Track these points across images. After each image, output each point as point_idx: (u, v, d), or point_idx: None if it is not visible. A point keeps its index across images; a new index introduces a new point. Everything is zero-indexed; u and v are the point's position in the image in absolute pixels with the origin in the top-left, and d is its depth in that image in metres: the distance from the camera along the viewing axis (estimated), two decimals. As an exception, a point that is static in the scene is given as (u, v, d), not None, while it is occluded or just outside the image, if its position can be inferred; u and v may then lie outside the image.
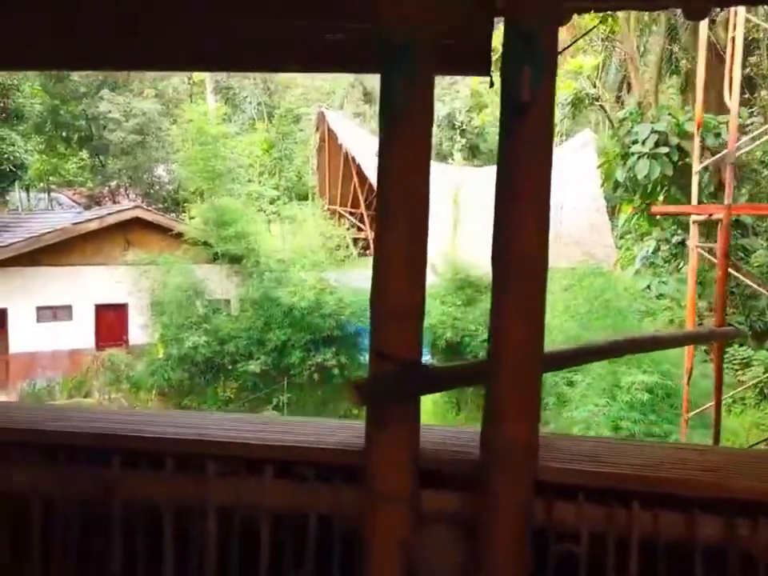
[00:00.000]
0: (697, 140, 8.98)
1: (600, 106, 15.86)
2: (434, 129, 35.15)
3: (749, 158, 17.94)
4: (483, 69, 3.00)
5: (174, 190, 30.97)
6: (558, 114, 14.91)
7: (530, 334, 1.78)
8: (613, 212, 30.71)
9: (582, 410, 9.67)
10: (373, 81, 47.63)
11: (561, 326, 11.17)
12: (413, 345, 1.83)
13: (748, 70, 17.30)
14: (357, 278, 16.82)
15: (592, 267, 15.72)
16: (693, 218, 9.01)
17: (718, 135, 17.37)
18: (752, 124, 16.84)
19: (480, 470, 1.78)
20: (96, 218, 15.96)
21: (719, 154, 17.30)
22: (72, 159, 32.68)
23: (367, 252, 27.98)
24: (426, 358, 20.74)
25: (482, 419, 1.80)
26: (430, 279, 19.91)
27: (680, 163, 17.56)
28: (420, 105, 1.79)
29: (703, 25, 11.44)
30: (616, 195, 19.60)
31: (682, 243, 18.16)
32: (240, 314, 15.59)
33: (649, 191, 18.72)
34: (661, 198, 19.63)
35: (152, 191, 30.54)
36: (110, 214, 16.19)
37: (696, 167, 9.02)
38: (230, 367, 15.26)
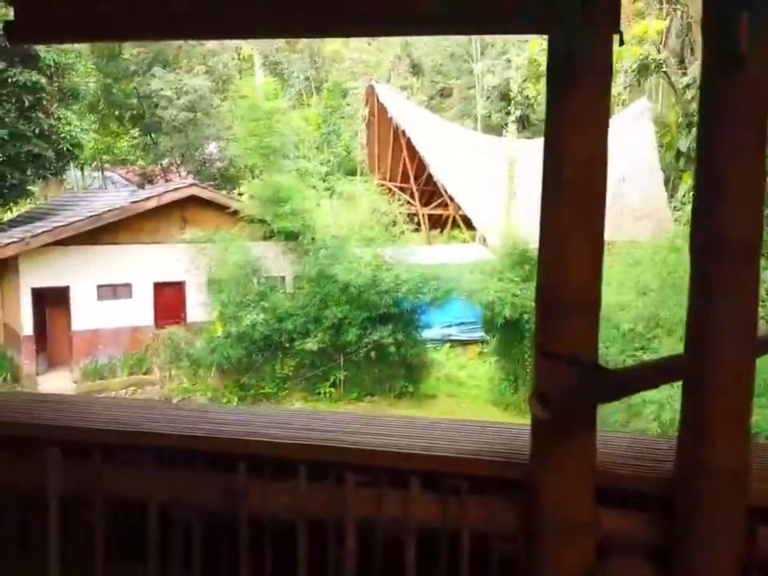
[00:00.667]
0: None
1: (664, 72, 15.16)
2: (484, 101, 34.40)
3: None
4: (613, 25, 2.71)
5: (224, 167, 31.05)
6: (622, 80, 14.32)
7: (741, 322, 1.50)
8: (667, 183, 29.71)
9: (654, 391, 9.30)
10: (419, 52, 46.86)
11: (632, 304, 10.75)
12: (589, 343, 1.57)
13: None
14: (412, 255, 16.58)
15: (658, 241, 15.17)
16: None
17: None
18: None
19: (677, 489, 1.53)
20: (153, 197, 16.00)
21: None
22: (124, 138, 33.05)
23: (419, 228, 27.68)
24: (480, 335, 20.45)
25: (679, 427, 1.54)
26: (485, 254, 19.54)
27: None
28: (601, 62, 1.53)
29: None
30: (678, 165, 18.88)
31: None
32: (297, 292, 15.52)
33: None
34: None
35: (203, 168, 30.64)
36: (166, 192, 16.20)
37: None
38: (287, 345, 15.23)
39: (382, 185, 24.18)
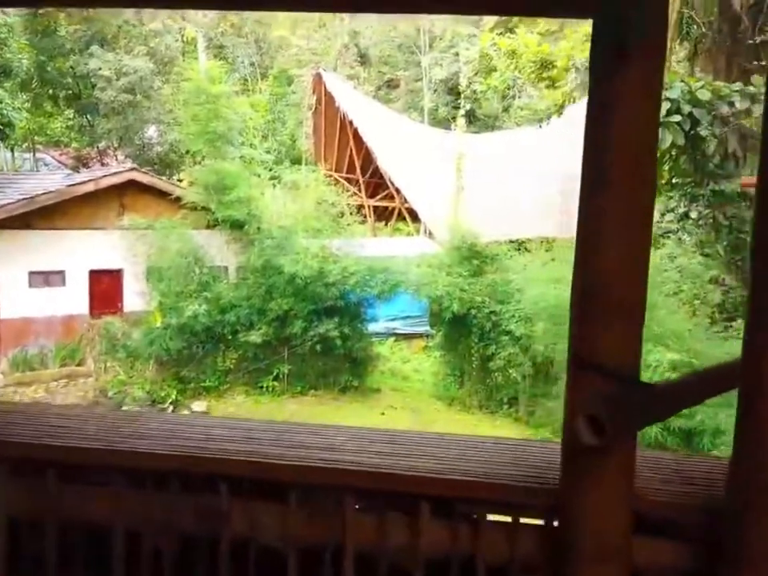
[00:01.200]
0: None
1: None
2: (431, 93, 34.35)
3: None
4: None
5: (164, 152, 30.11)
6: (575, 78, 14.42)
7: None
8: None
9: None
10: (367, 42, 46.58)
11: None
12: (632, 354, 1.40)
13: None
14: (360, 247, 16.38)
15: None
16: None
17: (731, 104, 16.93)
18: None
19: (726, 518, 1.37)
20: (91, 180, 15.28)
21: (734, 123, 16.94)
22: (58, 118, 31.68)
23: (365, 220, 27.45)
24: (425, 329, 20.43)
25: (733, 446, 1.38)
26: (432, 248, 19.48)
27: (691, 132, 17.13)
28: (655, 43, 1.35)
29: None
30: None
31: (686, 215, 17.82)
32: (241, 282, 15.11)
33: (660, 161, 18.33)
34: (666, 168, 19.26)
35: (141, 153, 29.62)
36: (105, 176, 15.50)
37: None
38: (230, 337, 14.83)
39: (329, 175, 23.85)
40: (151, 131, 30.87)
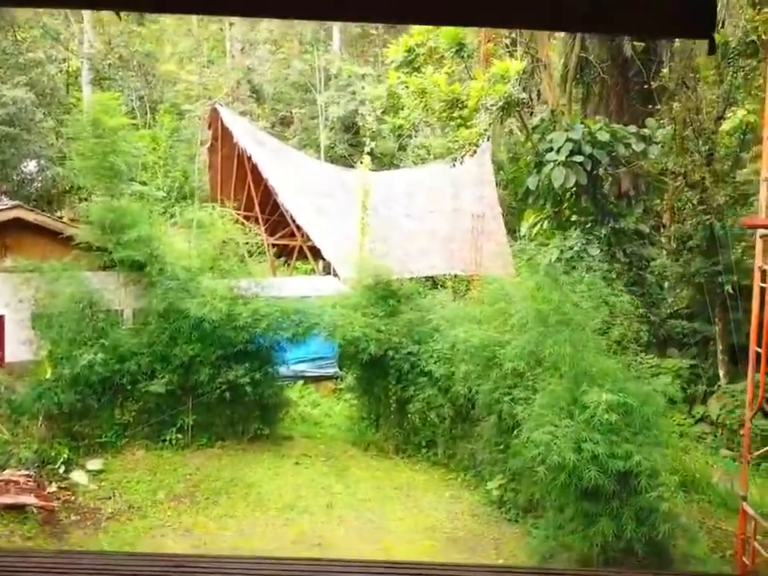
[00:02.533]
0: (766, 152, 8.39)
1: (518, 111, 15.61)
2: (327, 131, 34.19)
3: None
4: (705, 30, 2.21)
5: (44, 188, 28.23)
6: (487, 117, 14.49)
7: None
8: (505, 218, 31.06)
9: (540, 432, 9.09)
10: (260, 78, 46.09)
11: (511, 342, 10.62)
12: None
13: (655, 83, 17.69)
14: (269, 287, 15.66)
15: (512, 277, 15.50)
16: (760, 232, 8.40)
17: (628, 146, 17.65)
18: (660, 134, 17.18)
19: None
20: (-34, 218, 13.81)
21: (633, 164, 17.64)
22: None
23: (265, 259, 26.60)
24: (334, 370, 19.80)
25: None
26: (340, 287, 18.98)
27: (593, 172, 17.71)
28: None
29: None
30: (528, 202, 19.51)
31: (585, 251, 18.30)
32: (142, 328, 13.99)
33: (560, 199, 18.80)
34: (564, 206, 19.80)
35: (19, 189, 27.60)
36: (-16, 213, 14.07)
37: (764, 174, 8.45)
38: (129, 387, 13.65)
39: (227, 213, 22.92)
40: (31, 166, 28.92)
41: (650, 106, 18.16)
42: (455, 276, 24.19)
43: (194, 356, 13.94)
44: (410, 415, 14.78)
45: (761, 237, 8.21)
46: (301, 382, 18.64)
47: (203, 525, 11.26)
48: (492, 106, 13.91)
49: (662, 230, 22.80)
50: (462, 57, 16.08)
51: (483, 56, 15.95)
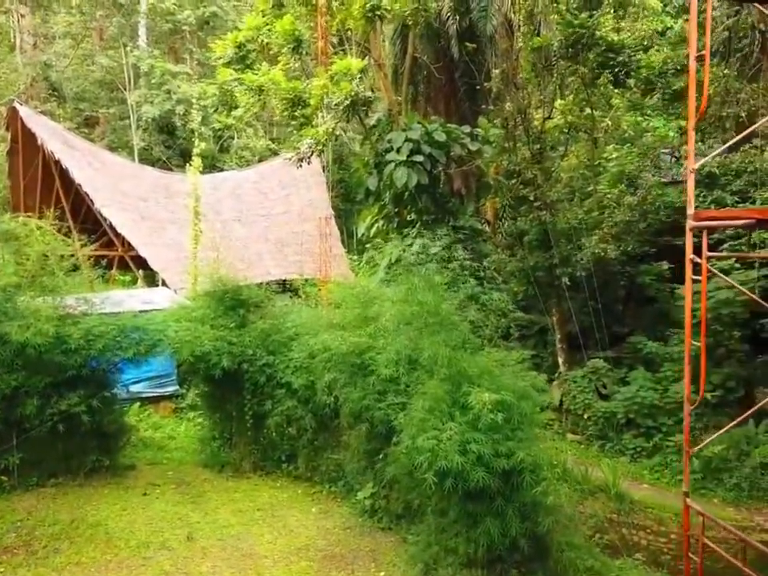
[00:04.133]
0: (691, 143, 8.57)
1: (364, 110, 15.40)
2: (140, 132, 32.17)
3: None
4: None
5: None
6: (332, 116, 14.10)
7: None
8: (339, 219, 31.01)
9: (425, 437, 8.88)
10: (59, 76, 42.30)
11: (385, 346, 10.34)
12: None
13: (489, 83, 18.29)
14: (100, 303, 14.16)
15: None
16: (690, 224, 8.49)
17: (463, 146, 18.14)
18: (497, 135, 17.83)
19: None
20: None
21: (470, 163, 18.14)
22: None
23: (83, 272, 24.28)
24: (174, 389, 18.50)
25: None
26: (176, 298, 17.68)
27: (432, 172, 17.98)
28: None
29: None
30: (368, 202, 19.43)
31: (425, 251, 18.61)
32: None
33: (401, 199, 18.92)
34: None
35: None
36: None
37: (691, 166, 8.61)
38: None
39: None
40: None
41: (482, 106, 18.81)
42: (306, 281, 23.61)
43: (18, 386, 12.22)
44: (266, 430, 14.04)
45: (690, 230, 8.58)
46: (137, 404, 17.18)
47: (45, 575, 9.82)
48: (337, 105, 13.55)
49: (489, 227, 23.81)
50: (300, 54, 15.57)
51: (319, 53, 15.55)
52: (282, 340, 14.00)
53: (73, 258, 17.11)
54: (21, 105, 25.94)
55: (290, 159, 16.44)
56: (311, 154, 15.30)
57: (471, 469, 8.64)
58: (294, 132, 15.84)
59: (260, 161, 35.90)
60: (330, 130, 14.09)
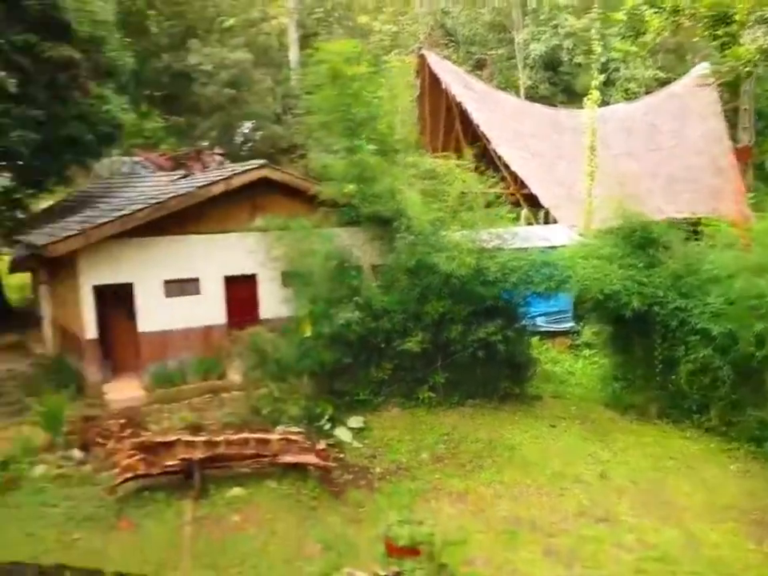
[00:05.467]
0: None
1: None
2: (527, 71, 31.89)
3: None
4: None
5: (259, 149, 29.08)
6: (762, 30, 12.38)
7: None
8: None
9: None
10: (454, 22, 44.60)
11: None
12: None
13: None
14: (508, 238, 14.71)
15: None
16: None
17: None
18: None
19: None
20: (221, 181, 14.08)
21: None
22: (154, 119, 31.05)
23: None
24: (570, 325, 18.62)
25: None
26: (574, 236, 17.63)
27: None
28: None
29: None
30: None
31: None
32: (393, 285, 13.68)
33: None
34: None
35: (239, 150, 28.64)
36: (235, 174, 14.31)
37: None
38: (383, 345, 13.47)
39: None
40: (245, 126, 29.87)
41: None
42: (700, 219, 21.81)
43: (444, 313, 13.46)
44: (676, 377, 13.33)
45: None
46: (537, 337, 17.72)
47: (474, 490, 10.80)
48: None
49: None
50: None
51: None
52: (697, 283, 13.06)
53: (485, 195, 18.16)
54: (426, 52, 27.98)
55: (705, 82, 14.85)
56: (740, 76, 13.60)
57: None
58: (714, 53, 14.17)
59: (647, 92, 33.60)
60: (766, 47, 12.32)
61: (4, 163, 19.61)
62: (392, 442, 12.35)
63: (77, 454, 11.00)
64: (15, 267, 20.43)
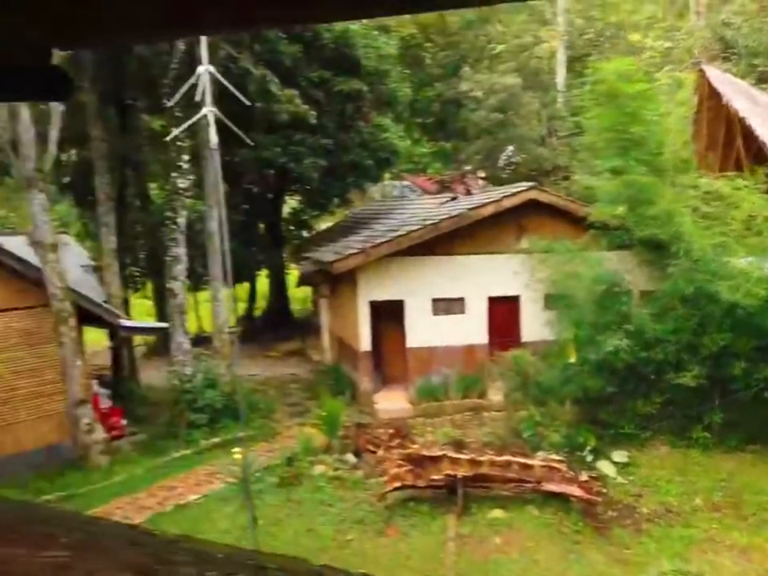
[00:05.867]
0: None
1: None
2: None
3: None
4: None
5: (521, 171, 29.13)
6: None
7: None
8: None
9: None
10: (735, 32, 40.94)
11: None
12: None
13: None
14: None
15: None
16: None
17: None
18: None
19: None
20: (491, 202, 14.42)
21: None
22: (423, 145, 32.66)
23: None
24: None
25: None
26: None
27: None
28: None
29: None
30: None
31: None
32: (666, 313, 12.85)
33: None
34: None
35: (501, 172, 28.98)
36: (505, 196, 14.53)
37: None
38: (653, 377, 12.68)
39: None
40: (508, 150, 30.16)
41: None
42: None
43: (725, 346, 12.29)
44: None
45: None
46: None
47: (760, 547, 9.66)
48: None
49: None
50: None
51: None
52: None
53: None
54: (704, 66, 25.99)
55: None
56: None
57: None
58: None
59: None
60: None
61: (296, 187, 22.01)
62: (660, 482, 11.54)
63: (351, 458, 11.86)
64: (302, 281, 22.72)
